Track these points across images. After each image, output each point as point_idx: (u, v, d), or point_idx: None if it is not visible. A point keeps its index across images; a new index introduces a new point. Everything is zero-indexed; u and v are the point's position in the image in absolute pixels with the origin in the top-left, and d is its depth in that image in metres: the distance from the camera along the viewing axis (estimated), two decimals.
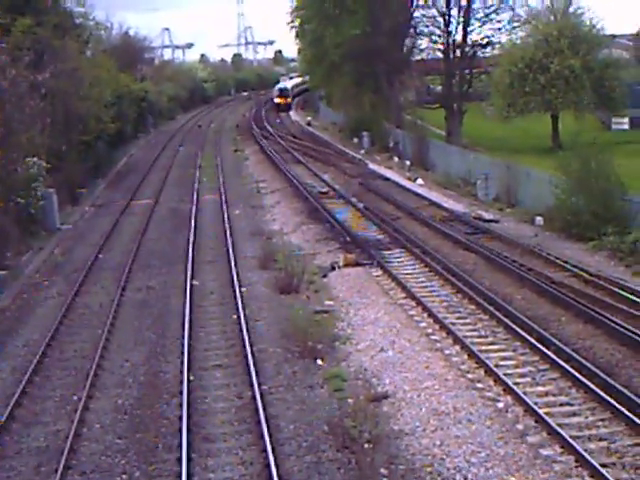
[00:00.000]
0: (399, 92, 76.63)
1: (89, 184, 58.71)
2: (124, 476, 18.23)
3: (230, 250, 37.09)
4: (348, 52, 76.66)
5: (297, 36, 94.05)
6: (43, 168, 44.34)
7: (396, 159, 64.84)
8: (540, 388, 21.57)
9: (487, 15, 72.83)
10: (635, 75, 79.98)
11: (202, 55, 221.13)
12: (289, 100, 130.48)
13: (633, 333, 23.93)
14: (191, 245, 38.42)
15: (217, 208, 48.79)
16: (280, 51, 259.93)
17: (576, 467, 17.57)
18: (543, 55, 65.31)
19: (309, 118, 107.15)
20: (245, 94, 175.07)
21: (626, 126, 72.54)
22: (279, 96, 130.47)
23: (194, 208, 48.29)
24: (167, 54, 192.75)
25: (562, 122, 65.10)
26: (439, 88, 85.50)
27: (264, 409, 20.55)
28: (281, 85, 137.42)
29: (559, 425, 19.07)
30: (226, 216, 45.41)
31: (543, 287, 28.99)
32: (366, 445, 18.71)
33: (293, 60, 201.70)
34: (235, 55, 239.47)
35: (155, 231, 43.46)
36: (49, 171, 45.55)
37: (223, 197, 51.87)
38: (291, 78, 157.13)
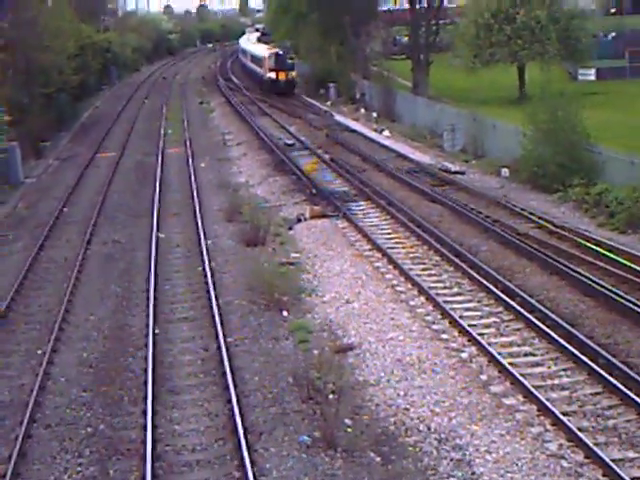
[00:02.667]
0: (365, 43, 76.06)
1: (53, 137, 58.16)
2: (89, 429, 18.22)
3: (196, 203, 36.95)
4: (314, 2, 76.15)
5: None
6: (5, 121, 43.80)
7: (363, 111, 64.56)
8: (504, 339, 21.73)
9: None
10: (601, 26, 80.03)
11: (167, 6, 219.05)
12: (293, 75, 77.32)
13: (597, 284, 24.11)
14: (157, 198, 38.24)
15: (183, 161, 48.50)
16: (246, 1, 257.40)
17: (538, 416, 17.77)
18: (509, 5, 65.01)
19: None
20: (210, 46, 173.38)
21: (592, 77, 72.50)
22: (275, 69, 76.65)
23: (159, 161, 47.97)
24: (131, 5, 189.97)
25: (528, 73, 64.99)
26: (405, 39, 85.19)
27: (229, 361, 20.60)
28: (272, 50, 79.72)
29: (522, 375, 19.24)
30: (192, 169, 45.18)
31: (508, 238, 29.11)
32: (331, 396, 18.79)
33: (259, 11, 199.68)
34: (200, 6, 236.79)
35: (120, 184, 43.16)
36: (11, 124, 45.05)
37: (189, 150, 51.54)
38: (257, 30, 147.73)
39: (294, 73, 77.37)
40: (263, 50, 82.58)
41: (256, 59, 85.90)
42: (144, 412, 18.35)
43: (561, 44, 64.20)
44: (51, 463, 16.94)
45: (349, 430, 17.68)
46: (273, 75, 76.69)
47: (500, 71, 65.03)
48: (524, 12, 64.05)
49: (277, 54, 76.98)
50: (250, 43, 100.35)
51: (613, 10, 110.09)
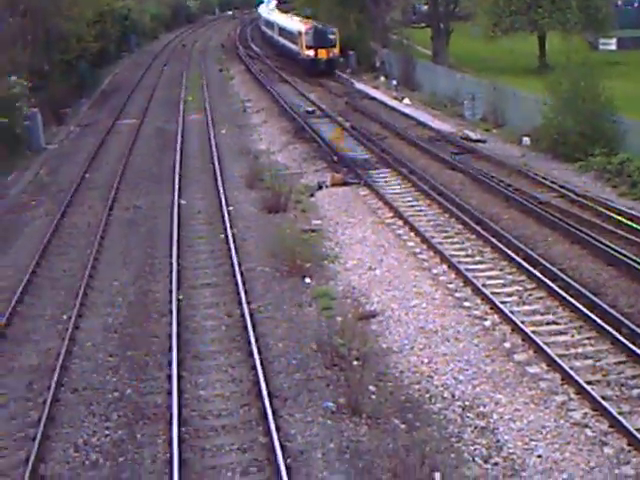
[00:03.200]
0: (385, 11, 75.71)
1: (73, 104, 58.19)
2: (116, 393, 18.40)
3: (217, 169, 37.00)
4: None
5: None
6: (26, 87, 43.88)
7: (382, 79, 64.35)
8: (527, 307, 21.77)
9: None
10: None
11: None
12: (335, 52, 68.26)
13: (619, 253, 24.10)
14: (178, 164, 38.30)
15: (203, 128, 48.49)
16: None
17: (562, 384, 17.83)
18: None
19: None
20: (230, 13, 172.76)
21: (613, 47, 72.00)
22: (314, 46, 67.35)
23: (180, 128, 47.98)
24: None
25: (549, 42, 64.60)
26: (425, 7, 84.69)
27: (253, 327, 20.72)
28: (308, 24, 70.55)
29: (545, 344, 19.29)
30: (212, 135, 45.18)
31: (530, 207, 29.08)
32: (355, 363, 18.93)
33: None
34: None
35: (141, 151, 43.21)
36: (32, 90, 45.10)
37: (209, 117, 51.51)
38: None
39: (336, 50, 67.87)
40: (297, 24, 72.82)
41: (288, 34, 75.48)
42: (169, 377, 18.51)
43: (582, 13, 63.73)
44: (79, 427, 17.12)
45: (373, 397, 17.79)
46: (311, 53, 66.96)
47: (520, 40, 64.63)
48: None
49: (316, 29, 67.72)
50: (277, 14, 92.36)
51: None
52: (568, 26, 63.19)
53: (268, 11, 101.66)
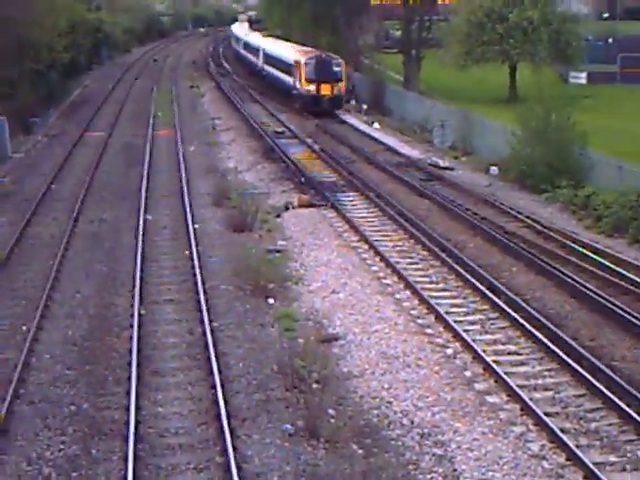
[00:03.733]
0: (358, 35, 76.07)
1: (42, 114, 57.79)
2: (72, 407, 18.18)
3: (184, 186, 36.88)
4: None
5: None
6: None
7: (353, 102, 64.52)
8: (489, 336, 21.79)
9: None
10: (594, 30, 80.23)
11: None
12: (341, 88, 57.69)
13: (582, 286, 24.20)
14: (145, 180, 38.13)
15: (172, 144, 48.36)
16: None
17: (521, 415, 17.83)
18: (502, 5, 65.18)
19: None
20: (202, 30, 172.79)
21: (583, 80, 72.69)
22: (316, 80, 56.96)
23: (148, 143, 47.82)
24: None
25: (520, 74, 65.15)
26: (398, 33, 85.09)
27: (214, 346, 20.58)
28: (310, 53, 60.25)
29: (506, 374, 19.29)
30: (181, 152, 45.05)
31: (496, 236, 29.17)
32: (315, 385, 18.84)
33: None
34: None
35: (109, 164, 43.02)
36: (0, 99, 44.72)
37: (178, 133, 51.41)
38: (249, 19, 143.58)
39: (342, 85, 57.37)
40: (293, 52, 61.80)
41: (279, 63, 64.29)
42: (128, 393, 18.33)
43: (552, 46, 64.37)
44: (33, 439, 16.89)
45: (332, 420, 17.69)
46: (312, 89, 56.25)
47: (491, 70, 65.13)
48: (517, 12, 64.18)
49: (319, 59, 57.13)
50: (261, 37, 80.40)
51: (606, 15, 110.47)
52: (537, 58, 63.80)
53: (246, 32, 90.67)
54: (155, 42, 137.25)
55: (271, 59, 68.17)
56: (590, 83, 71.62)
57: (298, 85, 57.68)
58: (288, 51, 63.96)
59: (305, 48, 64.41)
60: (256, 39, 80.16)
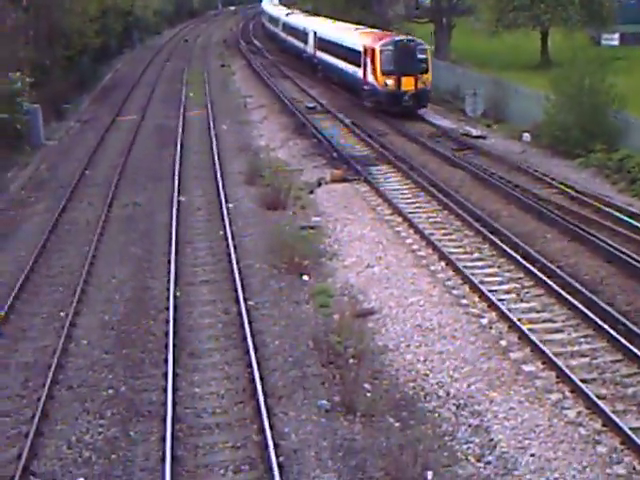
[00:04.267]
0: (388, 6, 75.73)
1: (74, 100, 58.11)
2: (110, 391, 18.38)
3: (217, 166, 36.95)
4: None
5: None
6: (27, 83, 43.82)
7: None
8: (524, 305, 21.73)
9: None
10: None
11: None
12: (426, 81, 46.08)
13: (618, 250, 24.04)
14: (177, 161, 38.25)
15: (204, 124, 48.42)
16: None
17: (557, 383, 17.79)
18: None
19: None
20: (232, 9, 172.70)
21: (616, 42, 71.82)
22: (395, 72, 45.72)
23: (181, 124, 47.91)
24: None
25: (551, 39, 64.52)
26: (428, 2, 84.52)
27: (250, 324, 20.69)
28: (384, 37, 48.26)
29: (542, 342, 19.25)
30: (213, 132, 45.12)
31: (529, 204, 29.01)
32: (351, 360, 18.88)
33: None
34: None
35: (141, 147, 43.16)
36: (33, 86, 45.01)
37: (210, 113, 51.45)
38: None
39: (428, 77, 45.90)
40: (363, 37, 49.78)
41: (343, 51, 52.29)
42: (165, 374, 18.49)
43: (584, 9, 63.63)
44: (73, 424, 17.10)
45: (368, 395, 17.77)
46: (390, 83, 45.02)
47: (522, 36, 64.52)
48: None
49: (398, 44, 45.63)
50: (305, 17, 72.22)
51: None
52: (570, 22, 63.09)
53: (285, 10, 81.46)
54: (185, 23, 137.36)
55: (327, 45, 57.04)
56: (623, 44, 70.76)
57: (371, 79, 46.10)
58: (352, 35, 52.12)
59: (374, 31, 53.93)
60: (302, 20, 70.25)
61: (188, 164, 38.48)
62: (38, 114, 44.54)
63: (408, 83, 45.15)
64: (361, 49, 47.81)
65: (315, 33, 61.56)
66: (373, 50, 45.81)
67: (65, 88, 55.20)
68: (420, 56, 45.63)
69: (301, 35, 67.09)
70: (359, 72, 48.09)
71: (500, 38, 65.57)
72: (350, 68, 50.27)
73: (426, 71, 45.55)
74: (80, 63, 63.04)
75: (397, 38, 46.72)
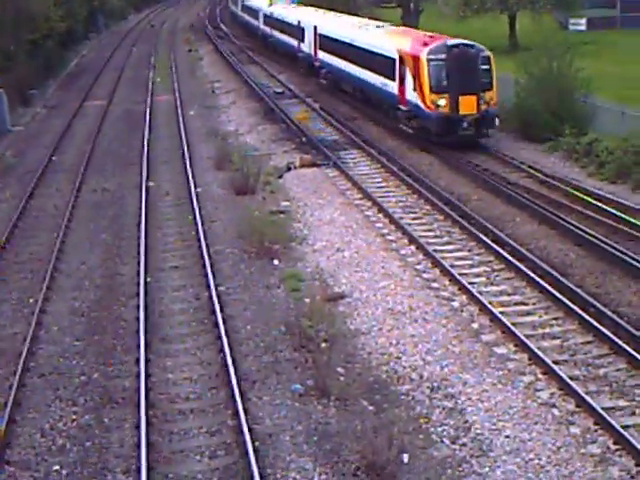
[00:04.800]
0: None
1: (40, 85, 57.65)
2: (83, 377, 18.27)
3: (185, 151, 36.82)
4: None
5: None
6: None
7: None
8: (495, 288, 21.82)
9: None
10: None
11: None
12: (490, 100, 34.77)
13: (586, 233, 24.17)
14: (146, 146, 38.06)
15: (172, 109, 48.22)
16: None
17: (529, 365, 17.88)
18: None
19: None
20: None
21: (583, 27, 72.20)
22: (452, 90, 34.22)
23: (148, 109, 47.68)
24: None
25: (519, 22, 64.64)
26: None
27: (221, 310, 20.63)
28: (439, 40, 36.24)
29: (513, 324, 19.34)
30: (181, 117, 44.93)
31: (498, 188, 29.11)
32: (323, 344, 18.88)
33: None
34: None
35: (109, 133, 42.92)
36: None
37: (177, 98, 51.23)
38: None
39: (493, 94, 35.33)
40: (400, 40, 38.94)
41: (369, 59, 40.92)
42: (137, 360, 18.40)
43: None
44: (46, 411, 16.99)
45: (342, 378, 17.76)
46: (443, 105, 34.52)
47: (490, 20, 64.61)
48: None
49: (453, 51, 34.98)
50: (309, 11, 59.69)
51: None
52: (538, 6, 63.24)
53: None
54: (151, 8, 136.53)
55: (336, 46, 46.68)
56: (590, 29, 71.10)
57: (413, 97, 35.42)
58: (380, 36, 41.37)
59: (410, 30, 46.34)
60: (293, 12, 60.78)
61: (156, 149, 38.30)
62: (3, 99, 44.14)
63: (468, 105, 34.09)
64: (395, 56, 37.11)
65: (315, 29, 51.28)
66: (417, 59, 34.78)
67: (31, 73, 54.72)
68: (483, 67, 34.90)
69: (295, 31, 57.51)
70: (392, 87, 37.54)
71: (468, 23, 65.61)
72: (377, 80, 39.67)
73: (490, 87, 34.80)
74: (46, 48, 62.49)
75: (450, 42, 35.21)
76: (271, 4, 69.02)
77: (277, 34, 64.62)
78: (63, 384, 17.99)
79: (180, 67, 66.02)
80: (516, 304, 20.83)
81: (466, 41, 35.63)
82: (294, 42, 57.61)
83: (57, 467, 15.28)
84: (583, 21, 72.20)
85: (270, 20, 66.71)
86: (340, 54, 45.28)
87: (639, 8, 73.83)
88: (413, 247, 24.74)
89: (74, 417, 16.76)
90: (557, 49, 37.78)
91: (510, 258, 22.97)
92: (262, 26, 69.92)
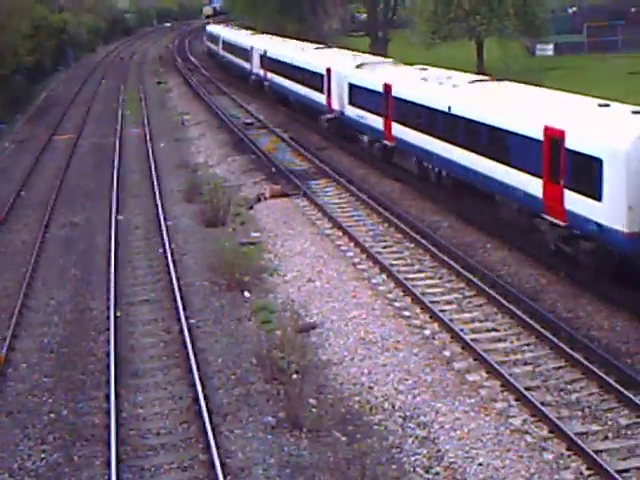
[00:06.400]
0: (323, 21, 76.05)
1: (9, 119, 57.44)
2: (52, 415, 18.06)
3: (155, 184, 36.71)
4: None
5: None
6: None
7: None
8: (466, 315, 21.78)
9: None
10: (559, 1, 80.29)
11: None
12: None
13: (557, 258, 24.17)
14: (115, 180, 37.92)
15: (141, 142, 48.15)
16: None
17: (502, 391, 17.83)
18: None
19: None
20: (168, 25, 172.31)
21: (550, 52, 72.90)
22: None
23: (118, 142, 47.58)
24: None
25: (486, 49, 65.10)
26: (364, 16, 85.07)
27: (192, 343, 20.49)
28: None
29: (485, 351, 19.30)
30: (150, 150, 44.85)
31: (469, 215, 29.11)
32: (294, 376, 18.74)
33: None
34: None
35: (78, 167, 42.77)
36: None
37: (147, 130, 51.17)
38: (214, 8, 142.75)
39: None
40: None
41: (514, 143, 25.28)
42: (107, 396, 18.22)
43: (519, 19, 64.28)
44: (14, 451, 16.77)
45: (314, 410, 17.66)
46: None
47: (458, 47, 65.03)
48: None
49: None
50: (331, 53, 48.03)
51: None
52: (506, 32, 63.69)
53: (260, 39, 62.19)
54: (120, 40, 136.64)
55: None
56: (557, 54, 71.75)
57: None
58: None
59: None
60: (313, 54, 48.55)
61: (126, 182, 38.18)
62: None
63: None
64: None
65: (351, 85, 39.02)
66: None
67: None
68: None
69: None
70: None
71: (437, 50, 66.00)
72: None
73: None
74: (14, 82, 62.31)
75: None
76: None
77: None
78: (32, 422, 17.77)
79: (149, 99, 66.00)
80: (488, 331, 20.80)
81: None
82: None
83: None
84: (550, 46, 72.90)
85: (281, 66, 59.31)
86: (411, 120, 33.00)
87: (605, 33, 74.71)
88: (384, 276, 24.70)
89: (43, 456, 16.55)
90: (521, 74, 38.02)
91: (481, 284, 22.96)
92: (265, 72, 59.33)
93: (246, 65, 63.06)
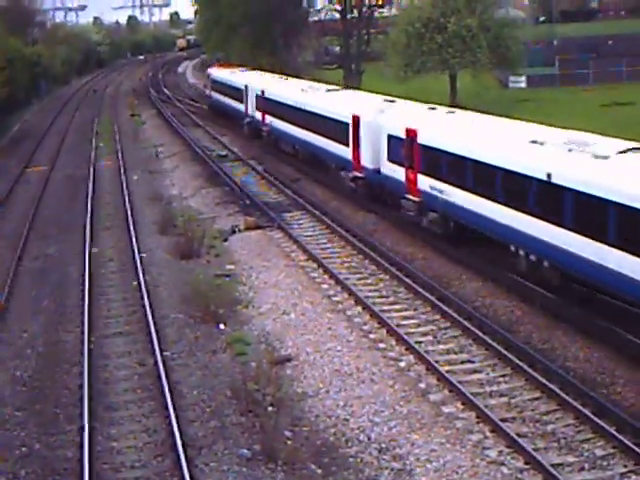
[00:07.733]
0: (297, 54, 76.34)
1: None
2: (24, 449, 17.86)
3: (129, 216, 36.58)
4: (244, 13, 75.99)
5: None
6: None
7: None
8: (442, 346, 21.77)
9: None
10: (531, 34, 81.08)
11: (96, 18, 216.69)
12: None
13: (532, 290, 24.24)
14: (89, 212, 37.77)
15: (115, 174, 48.02)
16: (177, 13, 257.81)
17: (477, 423, 17.80)
18: (440, 14, 65.42)
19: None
20: (142, 57, 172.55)
21: (523, 84, 73.57)
22: None
23: (91, 175, 47.43)
24: (59, 16, 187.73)
25: (460, 81, 65.51)
26: (337, 49, 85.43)
27: (166, 375, 20.35)
28: None
29: (460, 382, 19.28)
30: (124, 182, 44.72)
31: (444, 247, 29.15)
32: (270, 408, 18.65)
33: (190, 22, 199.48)
34: (130, 17, 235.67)
35: (52, 199, 42.61)
36: None
37: (121, 163, 51.07)
38: (188, 41, 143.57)
39: None
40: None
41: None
42: (81, 429, 18.05)
43: (492, 52, 64.79)
44: None
45: (289, 442, 17.55)
46: None
47: (432, 80, 65.39)
48: (455, 21, 64.48)
49: None
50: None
51: (542, 19, 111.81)
52: (479, 65, 64.16)
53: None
54: (94, 72, 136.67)
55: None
56: (530, 86, 72.38)
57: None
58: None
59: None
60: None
61: (100, 215, 38.03)
62: None
63: None
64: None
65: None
66: None
67: None
68: None
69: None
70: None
71: (410, 83, 66.33)
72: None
73: None
74: None
75: None
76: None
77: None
78: (3, 456, 17.55)
79: (123, 131, 65.92)
80: (463, 362, 20.79)
81: None
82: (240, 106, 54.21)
83: None
84: (523, 79, 73.56)
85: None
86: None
87: (577, 66, 75.45)
88: (359, 308, 24.66)
89: None
90: (493, 106, 38.29)
91: (456, 316, 22.96)
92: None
93: (239, 106, 56.84)
